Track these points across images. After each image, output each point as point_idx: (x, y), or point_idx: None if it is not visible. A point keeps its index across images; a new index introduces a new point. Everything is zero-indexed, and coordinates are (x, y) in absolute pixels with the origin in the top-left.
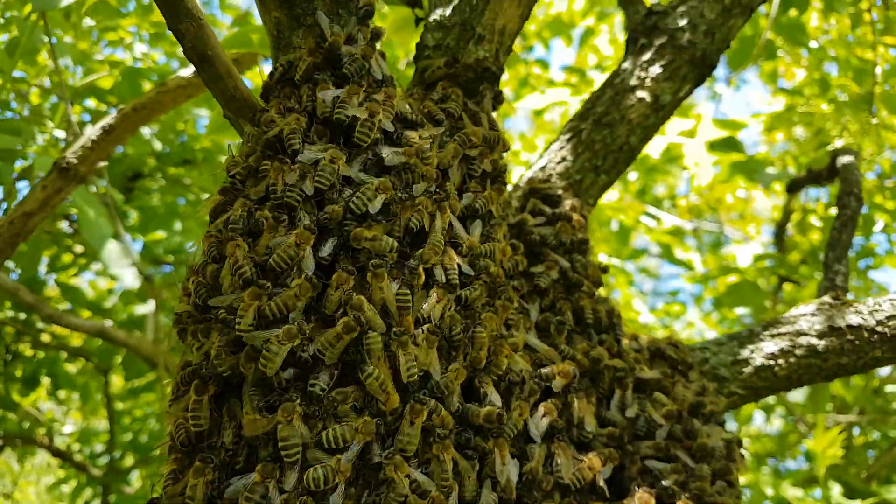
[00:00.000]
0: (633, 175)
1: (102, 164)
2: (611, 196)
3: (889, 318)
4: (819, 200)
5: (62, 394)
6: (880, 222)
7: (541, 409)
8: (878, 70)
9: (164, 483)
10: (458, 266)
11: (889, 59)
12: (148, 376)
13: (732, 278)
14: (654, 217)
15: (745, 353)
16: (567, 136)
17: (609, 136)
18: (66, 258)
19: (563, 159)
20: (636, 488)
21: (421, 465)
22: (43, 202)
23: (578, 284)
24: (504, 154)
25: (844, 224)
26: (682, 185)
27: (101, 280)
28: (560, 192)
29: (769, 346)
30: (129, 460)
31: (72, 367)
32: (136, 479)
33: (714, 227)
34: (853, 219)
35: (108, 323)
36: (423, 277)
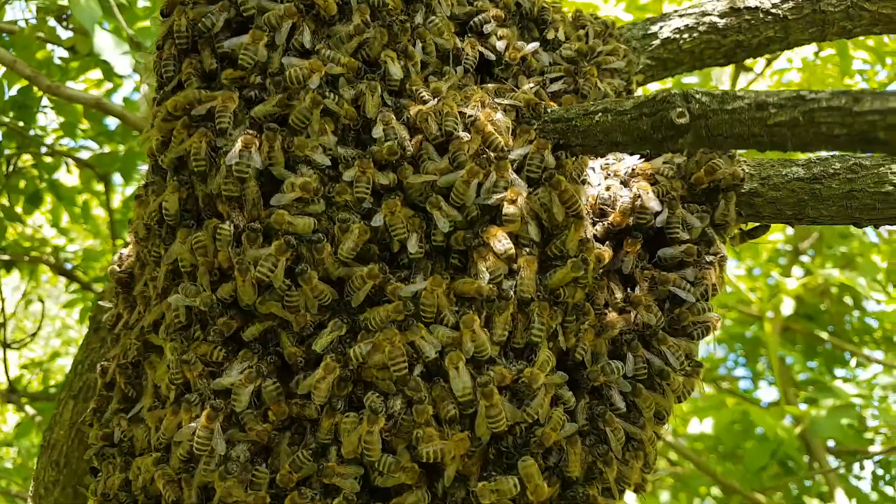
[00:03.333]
0: None
1: None
2: None
3: (783, 1)
4: None
5: (64, 218)
6: None
7: None
8: None
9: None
10: None
11: None
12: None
13: None
14: None
15: (654, 28)
16: None
17: None
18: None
19: None
20: None
21: None
22: None
23: None
24: None
25: None
26: None
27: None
28: None
29: (676, 22)
30: None
31: (72, 180)
32: None
33: None
34: None
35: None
36: None
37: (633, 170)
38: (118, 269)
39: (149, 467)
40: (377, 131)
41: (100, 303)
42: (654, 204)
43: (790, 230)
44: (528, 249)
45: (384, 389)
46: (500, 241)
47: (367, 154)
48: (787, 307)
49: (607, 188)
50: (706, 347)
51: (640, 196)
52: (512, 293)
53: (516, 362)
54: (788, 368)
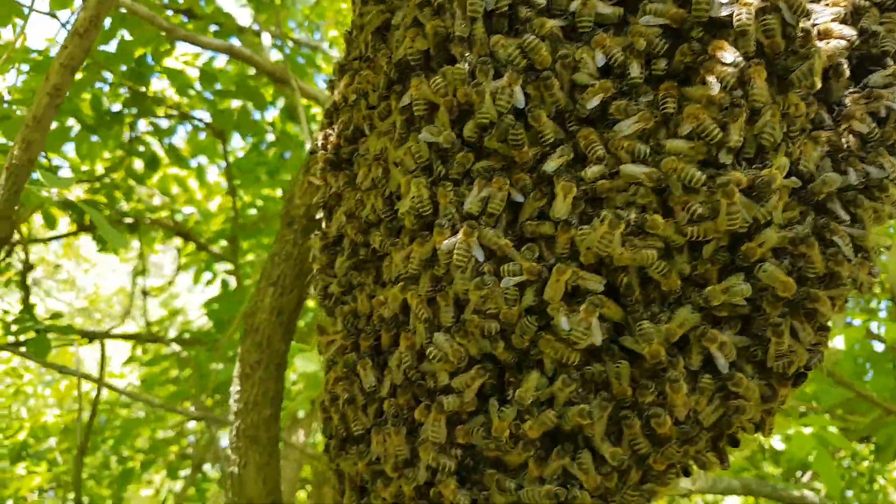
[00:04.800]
0: None
1: None
2: None
3: None
4: None
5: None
6: None
7: None
8: None
9: None
10: None
11: None
12: (260, 136)
13: None
14: None
15: None
16: None
17: None
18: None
19: None
20: None
21: None
22: None
23: None
24: None
25: None
26: None
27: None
28: None
29: None
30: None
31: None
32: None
33: None
34: None
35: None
36: None
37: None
38: (324, 150)
39: (396, 295)
40: None
41: (310, 179)
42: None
43: None
44: (756, 60)
45: (619, 203)
46: (728, 52)
47: None
48: None
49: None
50: None
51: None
52: (743, 101)
53: (750, 168)
54: None
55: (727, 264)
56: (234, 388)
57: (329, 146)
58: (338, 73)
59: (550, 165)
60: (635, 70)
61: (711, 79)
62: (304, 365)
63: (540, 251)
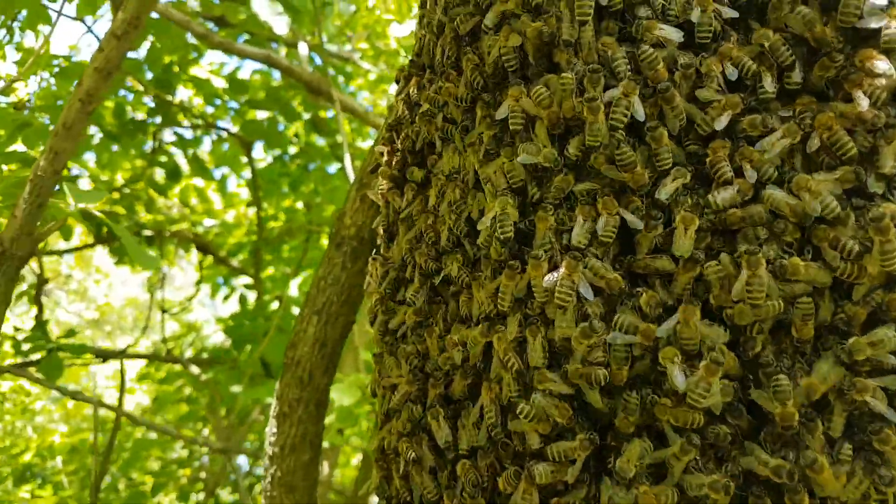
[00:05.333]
0: None
1: None
2: None
3: None
4: None
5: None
6: None
7: None
8: None
9: None
10: None
11: None
12: (284, 147)
13: None
14: None
15: None
16: None
17: None
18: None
19: None
20: None
21: None
22: None
23: None
24: None
25: None
26: None
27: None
28: None
29: None
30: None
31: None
32: (271, 269)
33: None
34: None
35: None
36: None
37: None
38: (388, 167)
39: (477, 337)
40: None
41: (369, 194)
42: None
43: None
44: None
45: (754, 235)
46: (879, 61)
47: None
48: None
49: None
50: None
51: None
52: None
53: None
54: None
55: (872, 313)
56: (270, 429)
57: (394, 162)
58: (402, 80)
59: (664, 192)
60: (768, 83)
61: (858, 93)
62: (340, 397)
63: (655, 292)
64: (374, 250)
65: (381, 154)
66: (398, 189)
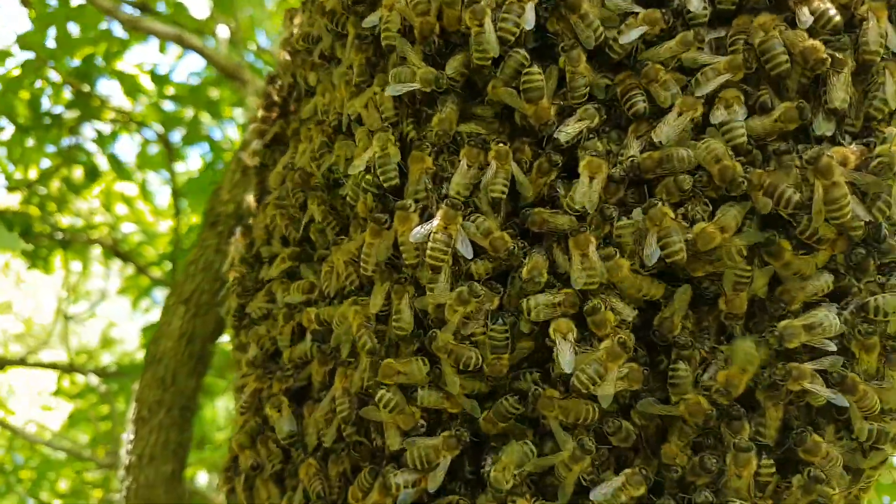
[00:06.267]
0: None
1: None
2: None
3: None
4: None
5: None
6: None
7: None
8: None
9: None
10: None
11: None
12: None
13: None
14: None
15: None
16: None
17: None
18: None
19: None
20: None
21: None
22: None
23: None
24: None
25: None
26: None
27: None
28: None
29: None
30: None
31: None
32: None
33: None
34: None
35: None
36: None
37: None
38: (263, 123)
39: (344, 315)
40: None
41: (242, 156)
42: None
43: None
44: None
45: (676, 188)
46: None
47: None
48: None
49: None
50: None
51: None
52: (849, 48)
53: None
54: None
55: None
56: (127, 435)
57: (271, 118)
58: (287, 20)
59: (564, 133)
60: (695, 3)
61: (804, 11)
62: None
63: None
64: (241, 223)
65: (257, 109)
66: (277, 147)
